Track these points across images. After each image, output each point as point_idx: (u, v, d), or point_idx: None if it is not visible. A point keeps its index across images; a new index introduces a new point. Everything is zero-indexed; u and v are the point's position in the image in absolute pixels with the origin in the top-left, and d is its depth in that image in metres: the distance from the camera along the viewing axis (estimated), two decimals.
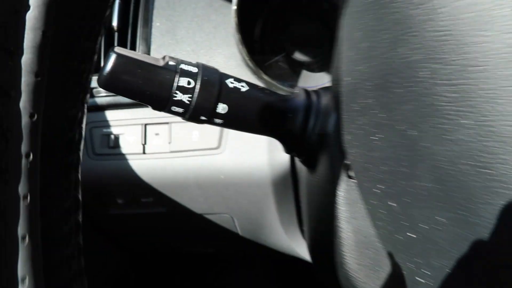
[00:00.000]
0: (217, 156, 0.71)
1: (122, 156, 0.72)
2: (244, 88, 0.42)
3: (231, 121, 0.42)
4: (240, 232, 0.87)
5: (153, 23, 0.76)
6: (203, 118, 0.41)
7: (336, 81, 0.37)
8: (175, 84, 0.38)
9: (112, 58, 0.37)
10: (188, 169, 0.72)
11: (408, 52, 0.25)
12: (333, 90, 0.38)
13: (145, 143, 0.72)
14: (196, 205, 0.78)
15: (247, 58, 0.72)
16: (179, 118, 0.42)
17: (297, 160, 0.68)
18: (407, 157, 0.28)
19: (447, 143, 0.24)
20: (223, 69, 0.75)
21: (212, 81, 0.40)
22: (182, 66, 0.39)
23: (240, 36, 0.71)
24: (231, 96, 0.41)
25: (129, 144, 0.72)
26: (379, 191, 0.35)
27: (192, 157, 0.71)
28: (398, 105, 0.27)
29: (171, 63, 0.39)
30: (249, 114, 0.42)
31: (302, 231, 0.82)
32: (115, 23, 0.76)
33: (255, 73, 0.73)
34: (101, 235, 0.89)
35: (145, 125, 0.73)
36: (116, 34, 0.77)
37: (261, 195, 0.74)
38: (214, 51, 0.74)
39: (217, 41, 0.75)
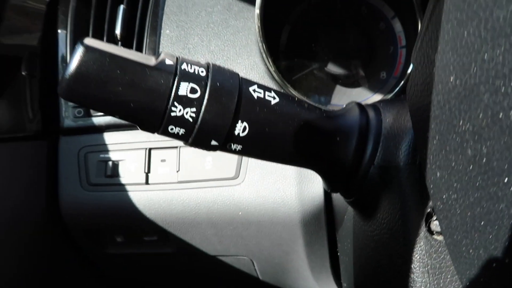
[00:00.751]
0: (235, 188, 0.58)
1: (121, 187, 0.60)
2: (274, 100, 0.29)
3: (254, 148, 0.29)
4: (260, 276, 0.73)
5: (162, 31, 0.66)
6: (214, 143, 0.28)
7: (420, 85, 0.24)
8: (172, 93, 0.26)
9: (79, 53, 0.25)
10: (199, 203, 0.59)
11: None
12: (413, 100, 0.25)
13: (148, 171, 0.60)
14: (209, 246, 0.64)
15: (272, 70, 0.59)
16: None
17: (335, 195, 0.55)
18: None
19: None
20: None
21: (228, 89, 0.28)
22: (184, 66, 0.27)
23: (264, 44, 0.59)
24: (255, 111, 0.28)
25: (130, 172, 0.60)
26: (495, 265, 0.21)
27: (205, 189, 0.59)
28: None
29: (168, 62, 0.27)
30: (280, 137, 0.29)
31: (337, 279, 0.68)
32: (118, 30, 0.65)
33: (281, 87, 0.61)
34: (96, 275, 0.77)
35: (149, 149, 0.61)
36: (119, 44, 0.66)
37: (287, 235, 0.60)
38: (233, 61, 0.63)
39: (236, 50, 0.63)
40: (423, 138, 0.24)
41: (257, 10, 0.59)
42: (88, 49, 0.25)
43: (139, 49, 0.66)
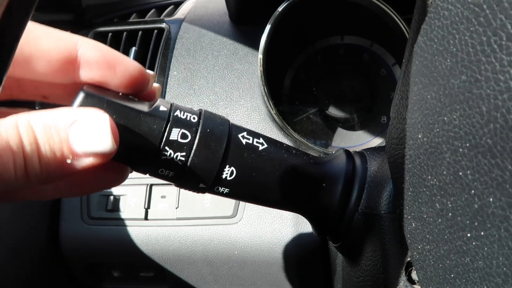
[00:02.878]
0: (232, 226, 0.58)
1: (120, 222, 0.61)
2: (262, 146, 0.31)
3: (241, 191, 0.31)
4: None
5: (170, 72, 0.69)
6: (202, 185, 0.30)
7: (396, 139, 0.25)
8: (164, 137, 0.28)
9: (79, 99, 0.27)
10: (196, 240, 0.60)
11: None
12: (390, 152, 0.26)
13: (148, 207, 0.61)
14: (204, 285, 0.64)
15: (273, 112, 0.61)
16: None
17: None
18: None
19: None
20: (245, 124, 0.64)
21: (218, 135, 0.29)
22: (177, 112, 0.29)
23: (265, 88, 0.62)
24: (243, 156, 0.30)
25: (130, 207, 0.61)
26: None
27: (202, 227, 0.59)
28: None
29: (162, 108, 0.29)
30: (267, 182, 0.31)
31: None
32: None
33: (282, 129, 0.63)
34: None
35: (151, 185, 0.62)
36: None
37: (283, 277, 0.60)
38: (236, 103, 0.65)
39: (239, 92, 0.65)
40: (400, 189, 0.25)
41: (260, 55, 0.62)
42: (88, 95, 0.27)
43: None
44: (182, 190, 0.61)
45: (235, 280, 0.62)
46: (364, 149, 0.35)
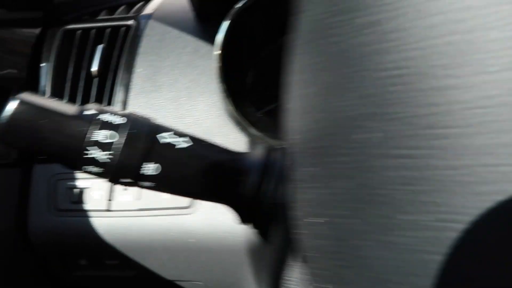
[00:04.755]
0: (187, 216, 0.62)
1: (85, 213, 0.65)
2: (182, 144, 0.34)
3: (165, 186, 0.34)
4: None
5: (135, 69, 0.71)
6: (127, 180, 0.33)
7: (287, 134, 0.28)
8: (87, 138, 0.31)
9: (12, 105, 0.30)
10: (154, 230, 0.63)
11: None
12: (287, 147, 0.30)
13: (111, 199, 0.64)
14: (165, 271, 0.68)
15: (230, 108, 0.64)
16: None
17: None
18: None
19: None
20: (203, 119, 0.67)
21: (140, 135, 0.33)
22: (104, 116, 0.32)
23: (222, 84, 0.64)
24: (163, 154, 0.33)
25: (93, 199, 0.65)
26: None
27: (161, 217, 0.63)
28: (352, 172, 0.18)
29: (87, 112, 0.32)
30: (188, 177, 0.34)
31: None
32: (95, 68, 0.71)
33: (239, 124, 0.65)
34: None
35: None
36: (95, 80, 0.72)
37: (235, 263, 0.63)
38: (196, 99, 0.68)
39: (199, 89, 0.68)
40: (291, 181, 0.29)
41: (215, 52, 0.64)
42: (21, 102, 0.30)
43: (113, 85, 0.71)
44: None
45: (193, 266, 0.65)
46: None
